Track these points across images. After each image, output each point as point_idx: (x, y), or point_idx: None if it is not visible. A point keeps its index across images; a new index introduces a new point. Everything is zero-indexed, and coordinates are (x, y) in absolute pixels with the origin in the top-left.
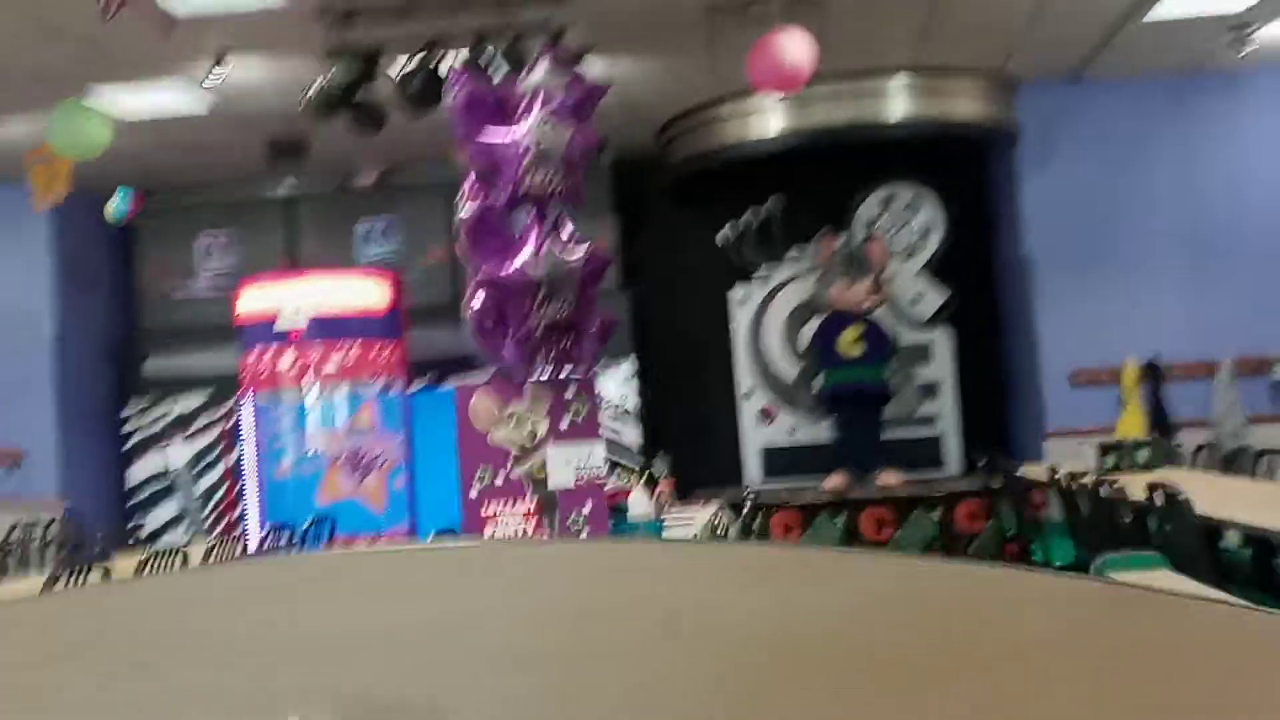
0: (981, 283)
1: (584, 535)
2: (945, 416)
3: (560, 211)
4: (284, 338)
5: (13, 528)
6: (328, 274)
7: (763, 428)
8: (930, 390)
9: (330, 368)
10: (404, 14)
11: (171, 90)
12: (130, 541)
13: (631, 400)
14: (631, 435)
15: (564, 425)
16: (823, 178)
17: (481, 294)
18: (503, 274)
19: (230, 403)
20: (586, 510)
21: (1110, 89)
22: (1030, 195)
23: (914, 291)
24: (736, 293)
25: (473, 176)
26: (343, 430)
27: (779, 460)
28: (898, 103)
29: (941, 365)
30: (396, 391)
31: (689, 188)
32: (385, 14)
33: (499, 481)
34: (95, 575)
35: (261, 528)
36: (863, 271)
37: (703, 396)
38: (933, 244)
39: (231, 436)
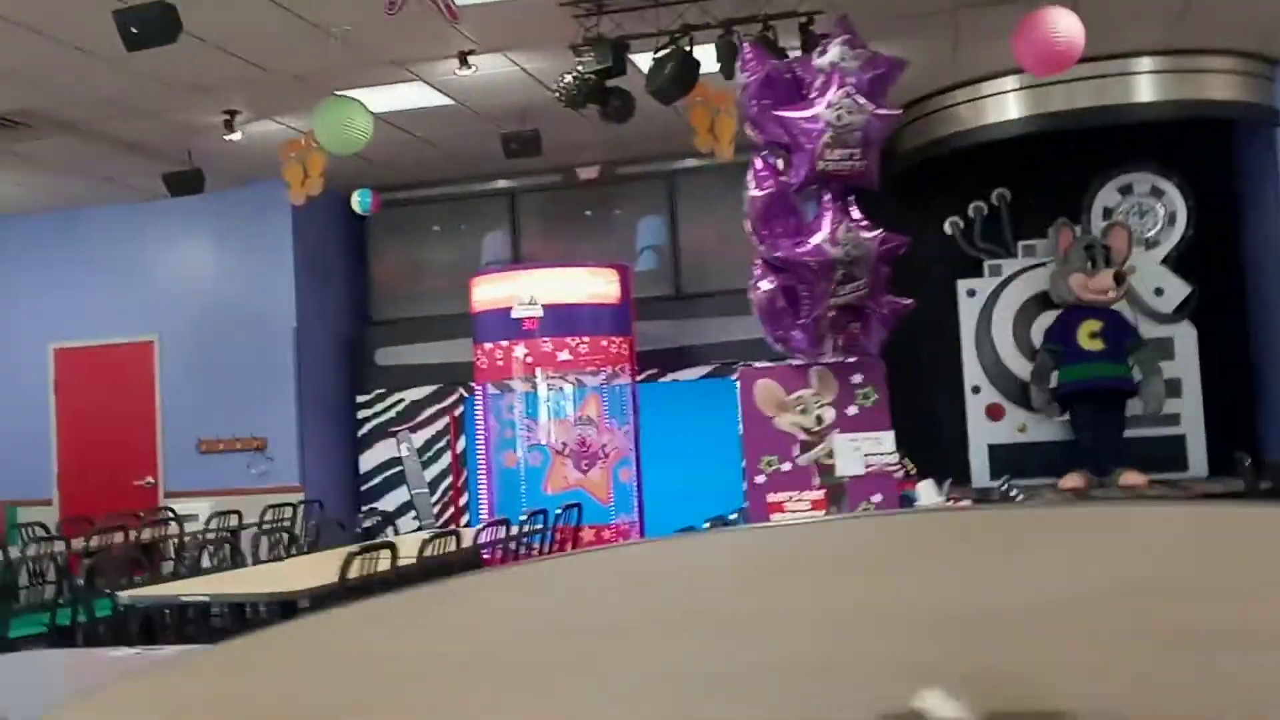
0: (1226, 275)
1: None
2: (1188, 415)
3: (852, 193)
4: (517, 328)
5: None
6: (560, 266)
7: (989, 424)
8: (1172, 387)
9: (562, 358)
10: (651, 3)
11: (411, 85)
12: (362, 528)
13: None
14: None
15: (851, 411)
16: (1057, 165)
17: (772, 275)
18: (797, 254)
19: (457, 393)
20: (876, 500)
21: None
22: None
23: (1155, 284)
24: (965, 285)
25: (763, 156)
26: (570, 421)
27: (1006, 458)
28: (1145, 86)
29: (1184, 361)
30: (623, 383)
31: (918, 176)
32: (632, 4)
33: (785, 468)
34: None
35: (490, 515)
36: (1104, 262)
37: (928, 390)
38: (1175, 234)
39: (458, 426)
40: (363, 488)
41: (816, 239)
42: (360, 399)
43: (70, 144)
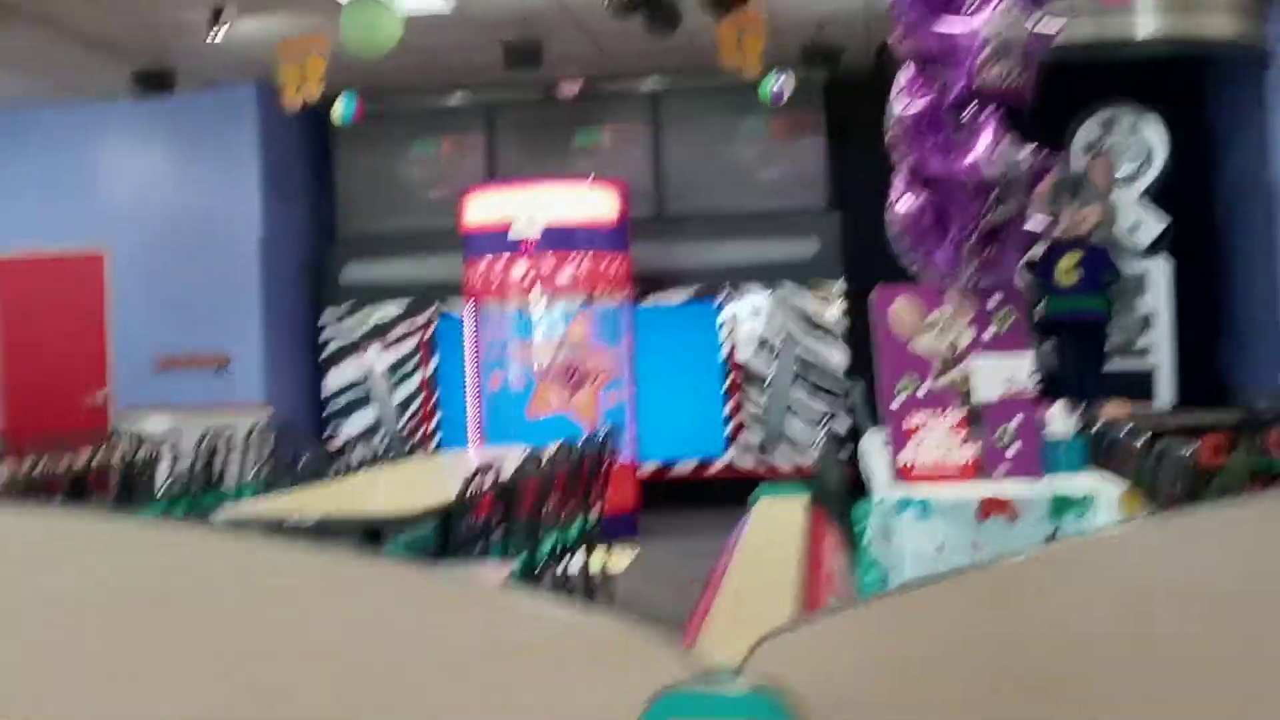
0: (1201, 211)
1: (1013, 452)
2: (1160, 349)
3: (1005, 110)
4: (514, 244)
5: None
6: (560, 183)
7: None
8: (1145, 321)
9: (561, 279)
10: None
11: None
12: (327, 449)
13: (840, 323)
14: (838, 358)
15: (988, 336)
16: (1039, 98)
17: (918, 192)
18: (952, 172)
19: (429, 312)
20: (1014, 425)
21: None
22: None
23: (1132, 218)
24: None
25: (912, 70)
26: (557, 343)
27: None
28: (1146, 19)
29: (1158, 296)
30: (616, 305)
31: None
32: None
33: (921, 393)
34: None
35: (474, 438)
36: (1086, 196)
37: None
38: (1154, 169)
39: (430, 346)
40: (326, 410)
41: (973, 156)
42: (324, 317)
43: (31, 36)
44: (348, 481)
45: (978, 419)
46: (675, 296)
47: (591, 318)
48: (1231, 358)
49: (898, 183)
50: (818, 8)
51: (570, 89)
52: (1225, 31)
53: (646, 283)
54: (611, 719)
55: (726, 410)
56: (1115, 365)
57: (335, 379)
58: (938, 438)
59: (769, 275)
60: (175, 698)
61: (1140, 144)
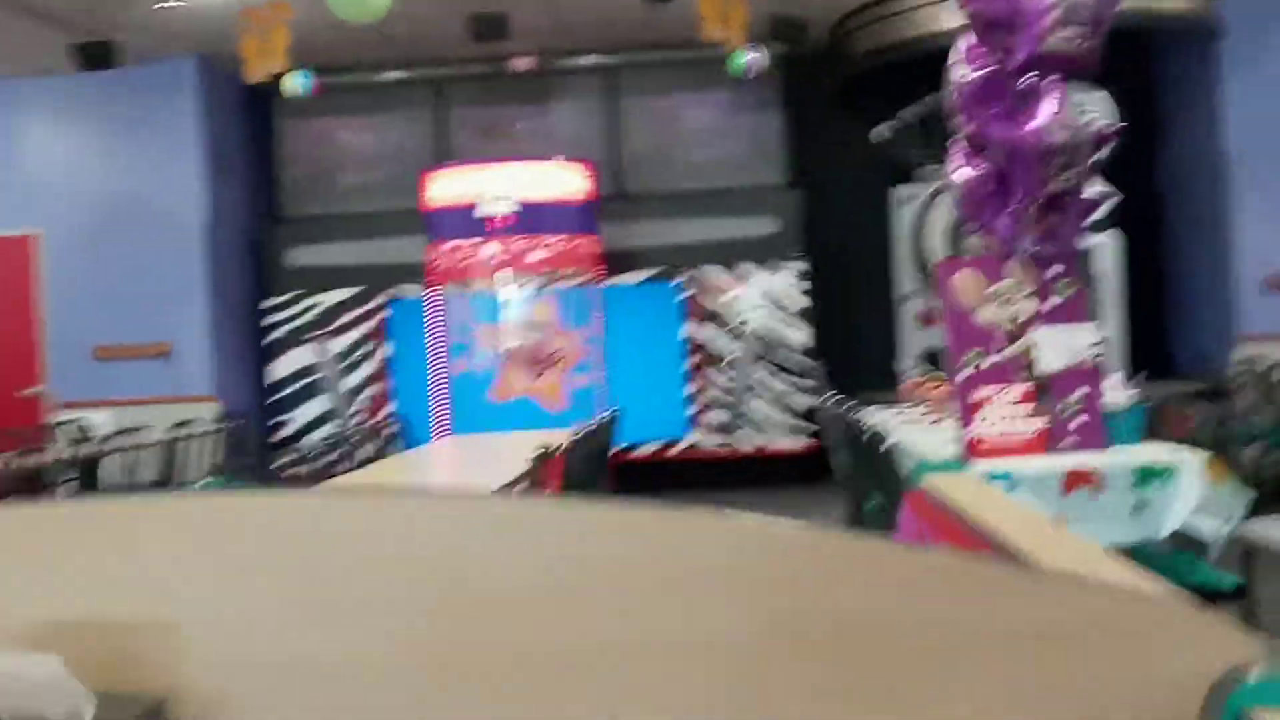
0: (1147, 187)
1: (1077, 423)
2: (1110, 321)
3: (1068, 78)
4: (479, 227)
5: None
6: (524, 162)
7: (921, 331)
8: (1096, 294)
9: (528, 260)
10: None
11: None
12: (276, 440)
13: (799, 302)
14: (799, 337)
15: (1052, 304)
16: None
17: (977, 159)
18: (1017, 137)
19: (381, 296)
20: (1077, 396)
21: None
22: (1235, 94)
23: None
24: (899, 193)
25: (973, 36)
26: (523, 326)
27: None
28: None
29: (1108, 269)
30: (583, 286)
31: (860, 86)
32: None
33: (985, 365)
34: None
35: (441, 423)
36: None
37: (858, 300)
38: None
39: (382, 332)
40: (273, 398)
41: (1037, 123)
42: (269, 303)
43: None
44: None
45: (1043, 391)
46: (635, 276)
47: (558, 299)
48: (1180, 328)
49: (955, 152)
50: None
51: (524, 64)
52: (1177, 4)
53: (607, 261)
54: (1174, 699)
55: (688, 391)
56: None
57: (282, 367)
58: (1004, 411)
59: (729, 253)
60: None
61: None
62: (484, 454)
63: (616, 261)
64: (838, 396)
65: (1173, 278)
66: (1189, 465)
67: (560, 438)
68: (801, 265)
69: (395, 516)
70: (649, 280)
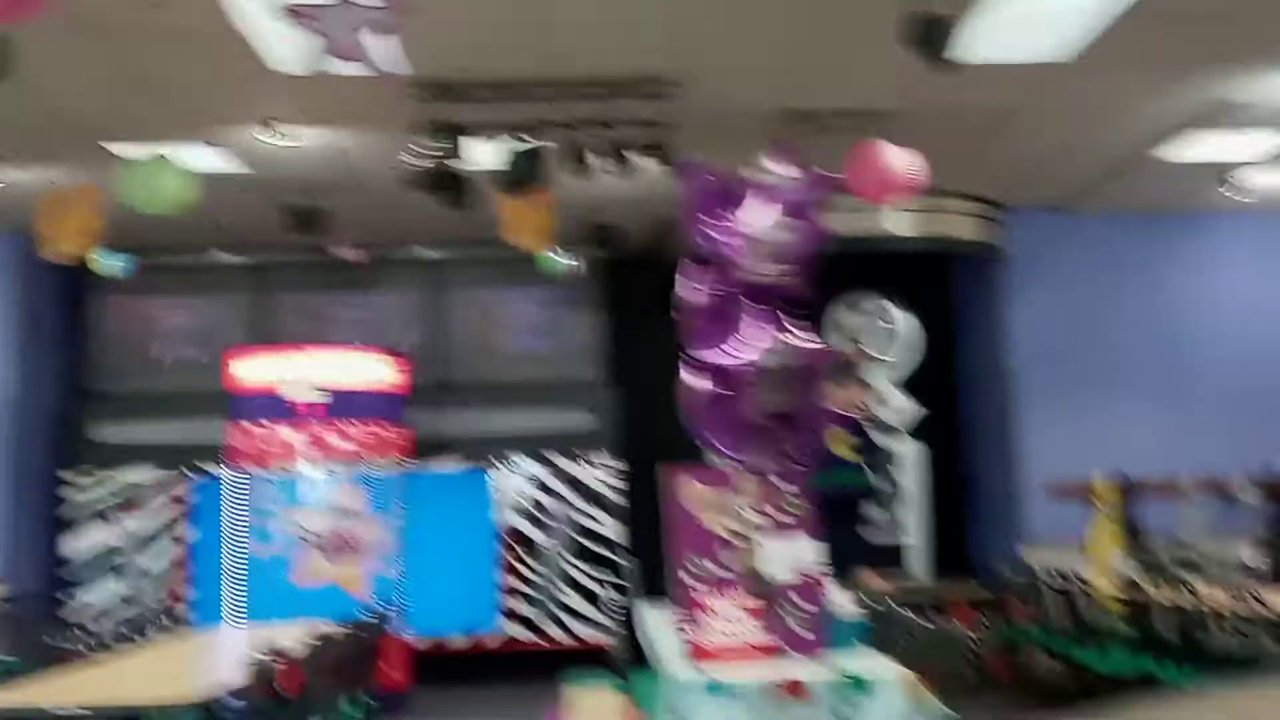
0: (944, 396)
1: (799, 631)
2: (915, 524)
3: (783, 304)
4: (284, 410)
5: None
6: (335, 349)
7: None
8: (899, 497)
9: (334, 446)
10: (496, 96)
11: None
12: (66, 625)
13: (614, 496)
14: (610, 532)
15: (778, 519)
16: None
17: (702, 376)
18: (730, 361)
19: (186, 476)
20: (801, 605)
21: (1098, 220)
22: (1018, 314)
23: (881, 398)
24: None
25: (697, 261)
26: (326, 512)
27: None
28: (901, 220)
29: (912, 475)
30: (390, 473)
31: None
32: (476, 94)
33: (711, 572)
34: None
35: (236, 609)
36: (847, 377)
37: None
38: (904, 355)
39: (187, 513)
40: (69, 580)
41: (750, 348)
42: (69, 477)
43: None
44: (105, 665)
45: (769, 598)
46: (450, 464)
47: (363, 486)
48: (975, 531)
49: (685, 366)
50: (599, 191)
51: (351, 254)
52: (965, 233)
53: (421, 449)
54: None
55: (499, 580)
56: (878, 538)
57: (78, 545)
58: (728, 617)
59: (543, 445)
60: None
61: (892, 332)
62: (233, 650)
63: (431, 449)
64: (641, 591)
65: (970, 483)
66: (892, 682)
67: (312, 636)
68: (614, 462)
69: None
70: (464, 468)
